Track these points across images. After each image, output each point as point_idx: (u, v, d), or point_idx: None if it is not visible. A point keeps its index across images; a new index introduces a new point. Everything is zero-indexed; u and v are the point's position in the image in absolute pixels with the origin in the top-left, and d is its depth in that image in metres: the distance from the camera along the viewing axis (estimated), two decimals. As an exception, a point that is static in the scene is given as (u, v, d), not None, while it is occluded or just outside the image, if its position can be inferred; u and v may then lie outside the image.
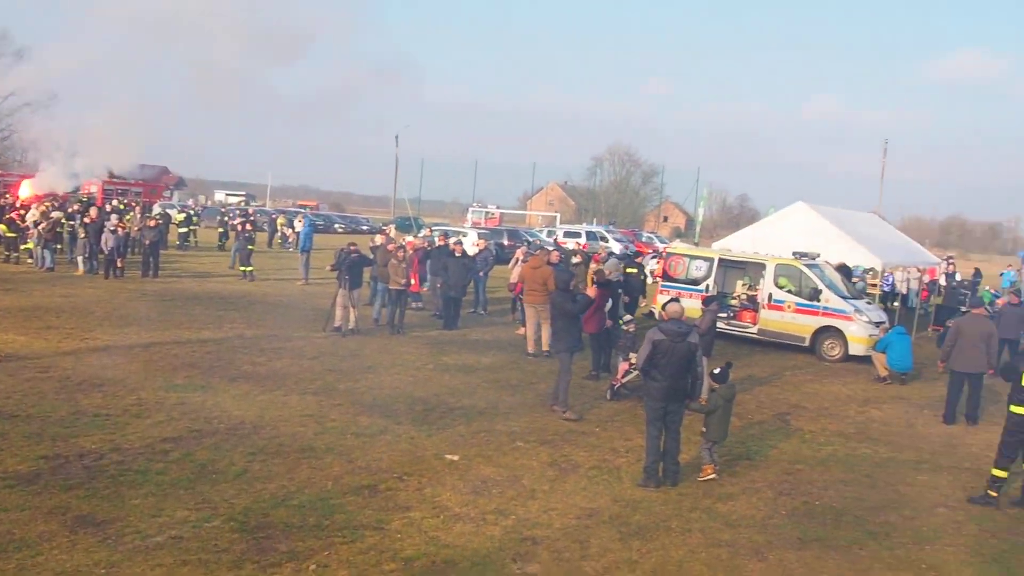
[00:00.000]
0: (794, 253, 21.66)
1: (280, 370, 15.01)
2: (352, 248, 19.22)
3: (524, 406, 13.81)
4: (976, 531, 9.77)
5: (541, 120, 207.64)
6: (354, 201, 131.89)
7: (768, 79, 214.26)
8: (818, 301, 20.70)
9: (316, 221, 50.69)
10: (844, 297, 21.02)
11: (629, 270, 20.48)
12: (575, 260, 20.42)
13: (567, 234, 48.14)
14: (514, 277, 21.90)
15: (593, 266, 20.23)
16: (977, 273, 38.72)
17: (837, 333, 20.55)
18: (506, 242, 41.26)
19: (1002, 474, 10.68)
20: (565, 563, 8.01)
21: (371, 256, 21.10)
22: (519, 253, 23.60)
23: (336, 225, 69.65)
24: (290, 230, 46.49)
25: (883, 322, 20.94)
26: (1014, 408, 10.62)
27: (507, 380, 15.64)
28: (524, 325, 19.26)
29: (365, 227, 68.81)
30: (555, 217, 69.91)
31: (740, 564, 8.29)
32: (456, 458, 10.83)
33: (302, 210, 65.05)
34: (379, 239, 23.03)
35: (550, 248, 24.02)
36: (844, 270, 24.53)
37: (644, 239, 54.87)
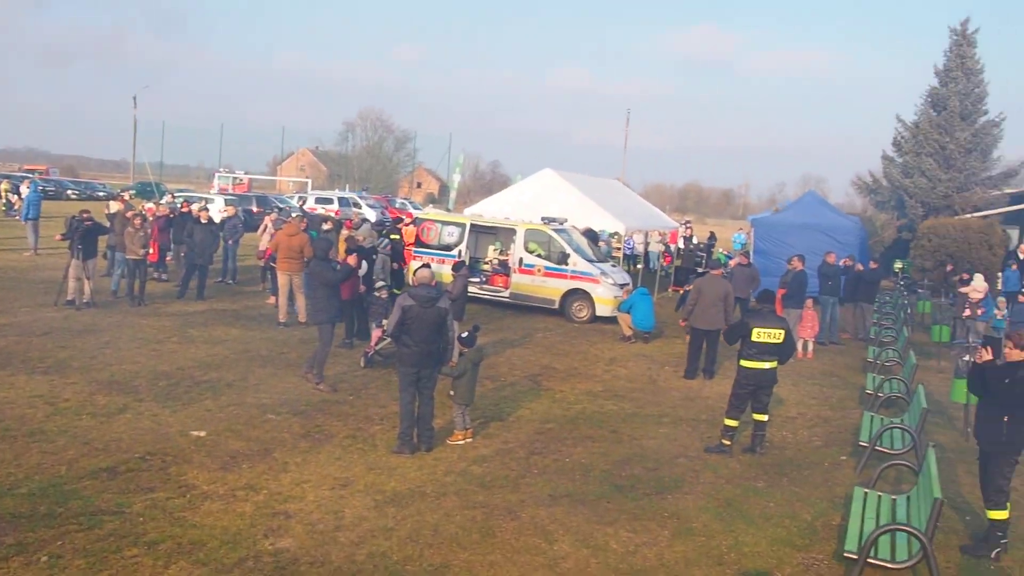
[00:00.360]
0: (543, 218, 22.19)
1: (5, 348, 13.85)
2: (85, 215, 17.95)
3: (275, 377, 13.42)
4: (712, 478, 10.36)
5: (291, 83, 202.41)
6: (90, 166, 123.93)
7: (517, 48, 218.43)
8: (566, 265, 21.29)
9: (45, 187, 47.20)
10: (591, 261, 21.72)
11: (394, 237, 20.28)
12: (326, 227, 19.99)
13: (319, 200, 47.21)
14: (263, 244, 21.23)
15: (345, 232, 19.90)
16: (712, 236, 41.07)
17: (585, 295, 21.23)
18: (255, 208, 39.95)
19: (733, 423, 11.38)
20: (319, 535, 7.84)
21: (107, 224, 19.83)
22: (268, 220, 22.89)
23: (69, 191, 65.09)
24: (15, 196, 43.02)
25: (627, 284, 21.83)
26: (744, 362, 11.32)
27: (257, 351, 15.15)
28: (275, 294, 18.72)
29: (101, 193, 64.68)
30: (306, 183, 68.37)
31: (494, 524, 8.39)
32: (203, 434, 10.37)
33: (29, 175, 60.38)
34: (115, 206, 21.70)
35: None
36: (590, 234, 25.40)
37: (398, 205, 54.65)
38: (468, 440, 10.94)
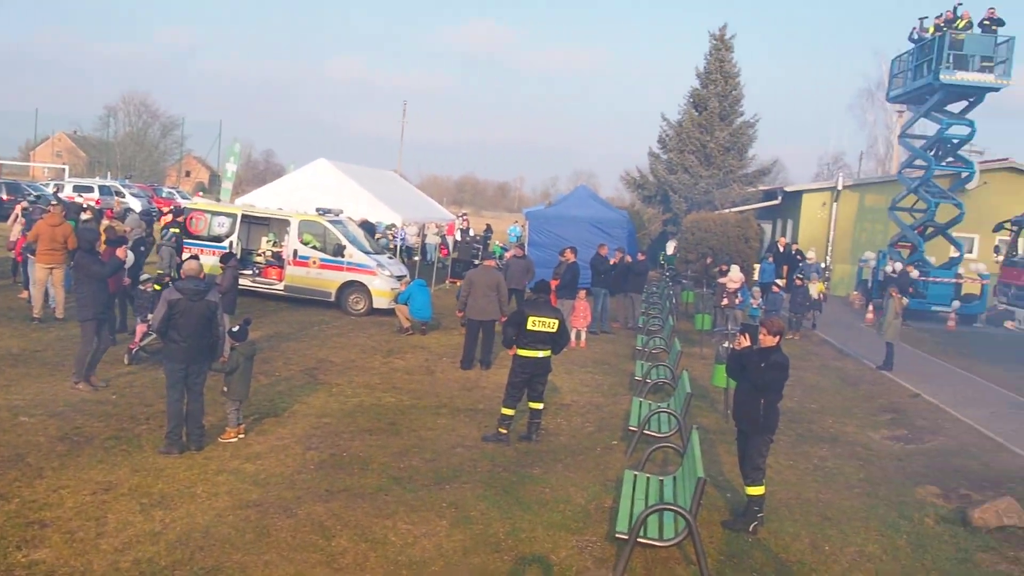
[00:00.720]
0: (317, 209, 21.78)
1: None
2: None
3: (28, 377, 12.53)
4: (490, 467, 10.48)
5: (46, 63, 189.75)
6: None
7: (293, 35, 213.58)
8: (342, 257, 21.00)
9: None
10: (367, 252, 21.53)
11: (174, 230, 19.32)
12: (85, 216, 18.86)
13: (77, 188, 44.52)
14: (14, 235, 19.78)
15: (105, 222, 18.83)
16: (488, 229, 41.70)
17: (362, 287, 21.01)
18: (4, 196, 37.20)
19: (510, 412, 11.56)
20: (79, 544, 7.37)
21: None
22: (19, 208, 21.35)
23: None
24: None
25: (404, 275, 21.81)
26: (519, 351, 11.52)
27: (8, 349, 14.11)
28: (28, 288, 17.47)
29: None
30: (64, 169, 64.19)
31: (269, 523, 8.16)
32: (-55, 441, 9.56)
33: None
34: None
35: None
36: (367, 226, 25.20)
37: (164, 194, 52.34)
38: (241, 437, 10.60)
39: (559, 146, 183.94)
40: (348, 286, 21.09)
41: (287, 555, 7.54)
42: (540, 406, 11.80)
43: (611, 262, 22.04)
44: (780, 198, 37.15)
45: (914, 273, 26.68)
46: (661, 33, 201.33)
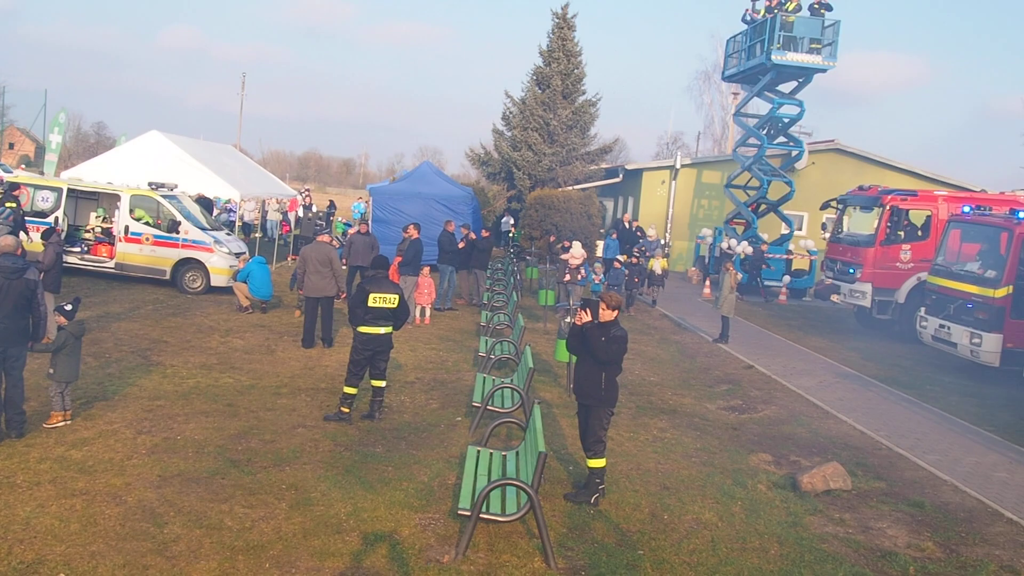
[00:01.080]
0: (150, 184, 20.89)
1: None
2: None
3: None
4: (331, 446, 10.29)
5: None
6: None
7: (123, 2, 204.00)
8: (177, 233, 20.24)
9: None
10: (204, 229, 20.82)
11: (10, 204, 18.01)
12: None
13: None
14: None
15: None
16: (332, 205, 41.05)
17: (198, 265, 20.33)
18: None
19: (352, 391, 11.35)
20: None
21: None
22: None
23: None
24: None
25: (243, 252, 21.20)
26: (361, 328, 11.31)
27: None
28: None
29: None
30: None
31: (96, 512, 7.78)
32: None
33: None
34: None
35: None
36: (204, 201, 24.37)
37: (-15, 169, 49.34)
38: (67, 422, 10.08)
39: (405, 123, 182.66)
40: (184, 264, 20.36)
41: (116, 545, 7.20)
42: (383, 384, 11.65)
43: (459, 244, 22.02)
44: (621, 176, 37.84)
45: (748, 249, 27.71)
46: (506, 9, 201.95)
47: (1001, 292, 16.79)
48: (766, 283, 28.22)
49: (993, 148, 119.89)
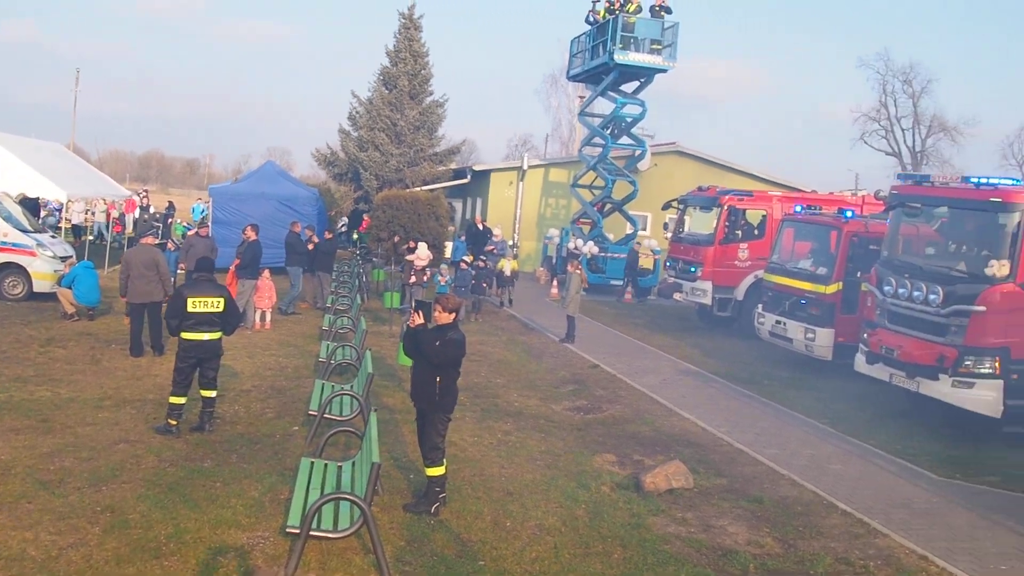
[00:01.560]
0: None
1: None
2: None
3: None
4: (155, 462, 9.67)
5: None
6: None
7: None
8: (-5, 236, 18.99)
9: None
10: (26, 231, 19.62)
11: None
12: None
13: None
14: None
15: None
16: (171, 206, 39.49)
17: (19, 270, 19.17)
18: None
19: (180, 401, 10.72)
20: None
21: None
22: None
23: None
24: None
25: (69, 256, 20.07)
26: (184, 334, 10.66)
27: None
28: None
29: None
30: None
31: None
32: None
33: None
34: None
35: None
36: (29, 203, 23.00)
37: None
38: None
39: (253, 123, 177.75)
40: (3, 268, 19.14)
41: None
42: (213, 394, 11.03)
43: (309, 246, 21.47)
44: (469, 177, 37.74)
45: (594, 249, 27.95)
46: (353, 9, 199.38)
47: (832, 288, 17.32)
48: (611, 282, 28.63)
49: (823, 152, 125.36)
